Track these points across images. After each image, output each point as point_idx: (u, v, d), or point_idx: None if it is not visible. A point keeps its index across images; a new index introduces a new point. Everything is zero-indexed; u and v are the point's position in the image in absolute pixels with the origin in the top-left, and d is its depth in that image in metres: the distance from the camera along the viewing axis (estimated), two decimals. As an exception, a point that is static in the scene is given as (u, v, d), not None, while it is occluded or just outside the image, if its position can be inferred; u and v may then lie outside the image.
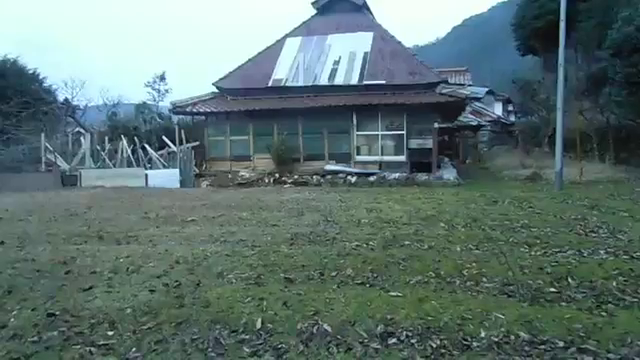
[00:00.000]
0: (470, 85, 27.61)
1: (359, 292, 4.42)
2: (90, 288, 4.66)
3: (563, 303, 4.02)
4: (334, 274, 4.99)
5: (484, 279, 4.68)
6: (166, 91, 29.97)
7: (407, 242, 6.37)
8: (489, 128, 31.97)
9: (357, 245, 6.24)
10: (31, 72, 26.15)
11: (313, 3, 20.47)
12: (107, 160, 18.88)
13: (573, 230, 7.01)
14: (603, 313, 3.79)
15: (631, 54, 14.50)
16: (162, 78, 29.86)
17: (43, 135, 18.27)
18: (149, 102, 29.58)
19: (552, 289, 4.34)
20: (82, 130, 22.47)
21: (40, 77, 26.62)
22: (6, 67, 24.51)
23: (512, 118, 37.44)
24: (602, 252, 5.63)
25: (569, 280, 4.57)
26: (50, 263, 5.60)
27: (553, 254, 5.61)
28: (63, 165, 18.00)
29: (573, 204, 9.82)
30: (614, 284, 4.43)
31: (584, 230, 6.98)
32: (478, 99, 31.16)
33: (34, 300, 4.35)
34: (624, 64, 14.85)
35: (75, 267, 5.43)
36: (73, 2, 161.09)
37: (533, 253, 5.68)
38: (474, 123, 26.59)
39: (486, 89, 36.98)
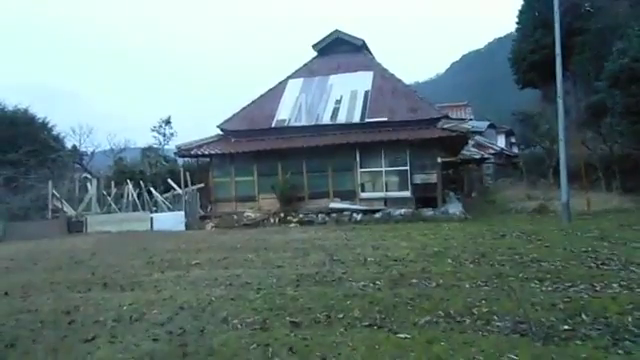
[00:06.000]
0: (471, 119, 27.90)
1: (367, 335, 4.31)
2: (93, 339, 4.59)
3: (578, 341, 3.89)
4: (341, 316, 4.89)
5: (495, 317, 4.56)
6: (171, 134, 30.49)
7: (414, 280, 6.27)
8: (493, 161, 31.99)
9: (364, 285, 6.14)
10: (40, 121, 26.87)
11: (314, 45, 21.08)
12: (113, 205, 18.98)
13: (584, 263, 6.86)
14: (620, 351, 3.66)
15: (629, 85, 14.67)
16: (167, 122, 30.44)
17: (50, 182, 18.50)
18: (155, 146, 30.04)
19: (566, 326, 4.22)
20: (89, 176, 22.71)
21: (49, 125, 27.36)
22: (17, 117, 25.23)
23: (515, 150, 37.56)
24: (615, 285, 5.49)
25: (583, 316, 4.45)
26: (53, 313, 5.54)
27: (565, 289, 5.48)
28: (69, 211, 18.11)
29: (582, 236, 9.65)
30: (630, 319, 4.30)
31: (595, 263, 6.83)
32: (480, 133, 31.40)
33: (36, 353, 4.28)
34: (623, 95, 15.00)
35: (78, 316, 5.37)
36: (82, 49, 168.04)
37: (544, 289, 5.55)
38: (477, 156, 26.60)
39: (487, 122, 37.37)
